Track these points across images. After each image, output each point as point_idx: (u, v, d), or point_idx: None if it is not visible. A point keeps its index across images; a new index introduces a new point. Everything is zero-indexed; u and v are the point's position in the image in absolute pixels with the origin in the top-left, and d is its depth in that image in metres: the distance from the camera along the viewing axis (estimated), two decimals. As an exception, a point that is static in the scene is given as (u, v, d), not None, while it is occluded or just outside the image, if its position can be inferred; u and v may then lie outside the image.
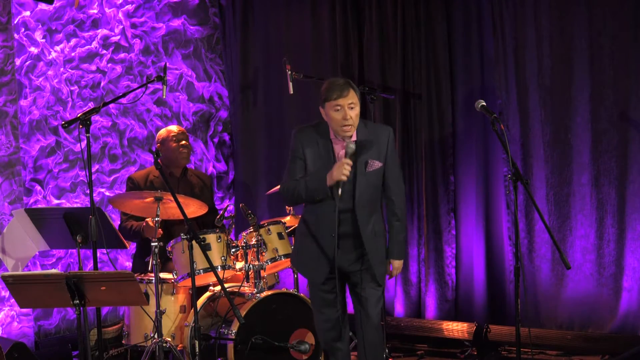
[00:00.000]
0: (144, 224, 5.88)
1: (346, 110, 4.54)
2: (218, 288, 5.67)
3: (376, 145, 4.66)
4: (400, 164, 4.95)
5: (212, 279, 5.74)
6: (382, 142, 4.67)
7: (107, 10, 7.13)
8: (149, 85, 6.93)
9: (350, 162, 4.50)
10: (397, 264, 4.82)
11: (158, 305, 5.44)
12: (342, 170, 4.47)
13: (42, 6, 6.73)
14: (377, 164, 4.66)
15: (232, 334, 5.48)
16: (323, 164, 4.62)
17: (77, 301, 4.40)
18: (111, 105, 7.02)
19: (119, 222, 6.17)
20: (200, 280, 5.68)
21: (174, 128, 6.32)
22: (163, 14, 7.49)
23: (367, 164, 4.64)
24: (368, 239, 4.66)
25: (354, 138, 4.64)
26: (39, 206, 6.62)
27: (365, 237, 4.65)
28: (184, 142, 6.25)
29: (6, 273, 4.47)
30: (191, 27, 7.66)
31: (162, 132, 6.33)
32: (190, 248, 5.03)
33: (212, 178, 7.61)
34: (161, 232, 5.72)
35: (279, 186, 6.18)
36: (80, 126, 5.26)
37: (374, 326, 4.72)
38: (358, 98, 4.61)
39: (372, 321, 4.71)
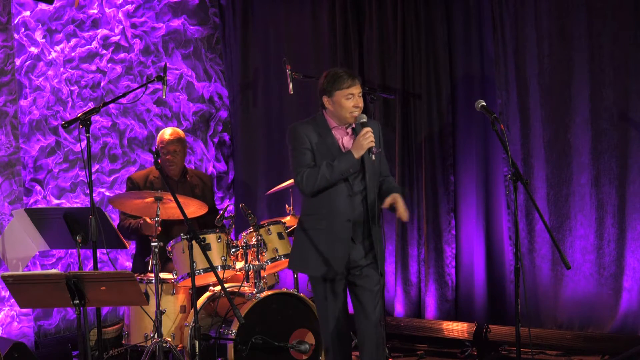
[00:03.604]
0: (142, 220, 5.88)
1: (357, 98, 4.73)
2: (218, 288, 5.67)
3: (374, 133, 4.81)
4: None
5: (212, 279, 5.74)
6: (375, 130, 4.80)
7: (107, 10, 7.13)
8: (149, 85, 6.93)
9: (369, 129, 4.65)
10: (399, 196, 4.75)
11: (158, 305, 5.44)
12: (367, 137, 4.63)
13: (42, 6, 6.73)
14: (378, 149, 4.78)
15: (232, 334, 5.48)
16: (329, 151, 4.71)
17: (77, 301, 4.40)
18: (111, 105, 7.02)
19: (118, 222, 6.17)
20: (200, 280, 5.68)
21: (166, 135, 6.24)
22: (163, 14, 7.49)
23: (371, 149, 4.73)
24: (374, 225, 4.74)
25: (353, 125, 4.79)
26: (39, 206, 6.62)
27: (372, 221, 4.72)
28: (169, 156, 6.20)
29: (6, 273, 4.47)
30: (191, 27, 7.66)
31: (158, 137, 6.30)
32: (190, 248, 5.03)
33: (212, 178, 7.61)
34: (160, 229, 5.72)
35: (284, 183, 6.25)
36: (80, 126, 5.26)
37: (374, 323, 4.72)
38: (362, 88, 4.83)
39: (372, 318, 4.71)
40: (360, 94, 4.75)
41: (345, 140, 4.76)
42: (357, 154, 4.63)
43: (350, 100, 4.70)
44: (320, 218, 4.73)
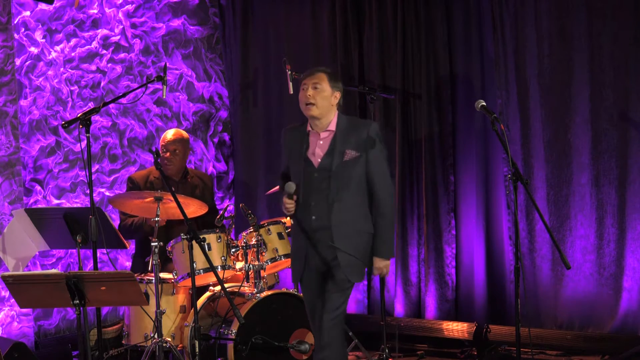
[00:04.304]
0: (144, 217, 5.90)
1: (310, 90, 4.60)
2: (218, 288, 5.67)
3: (355, 137, 4.63)
4: (388, 162, 4.77)
5: (212, 279, 5.74)
6: (361, 134, 4.63)
7: (107, 10, 7.13)
8: (149, 85, 6.93)
9: (288, 200, 4.56)
10: (379, 262, 4.69)
11: (158, 305, 5.44)
12: (285, 208, 4.60)
13: (42, 6, 6.73)
14: (354, 154, 4.60)
15: (232, 334, 5.48)
16: (297, 159, 4.65)
17: (77, 301, 4.40)
18: (111, 105, 7.02)
19: (119, 222, 6.17)
20: (200, 280, 5.68)
21: (169, 135, 6.28)
22: (163, 14, 7.49)
23: (345, 153, 4.60)
24: (340, 233, 4.60)
25: (332, 128, 4.65)
26: (39, 206, 6.62)
27: (336, 230, 4.60)
28: (168, 154, 6.20)
29: (6, 273, 4.47)
30: (191, 27, 7.66)
31: (162, 136, 6.34)
32: (190, 248, 5.03)
33: (212, 178, 7.61)
34: (163, 222, 5.70)
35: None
36: (80, 126, 5.26)
37: (324, 331, 4.58)
38: (330, 83, 4.64)
39: (323, 325, 4.59)
40: (316, 85, 4.60)
41: (317, 144, 4.66)
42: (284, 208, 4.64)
43: (303, 91, 4.63)
44: (295, 224, 4.74)
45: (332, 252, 4.62)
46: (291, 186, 4.56)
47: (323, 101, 4.61)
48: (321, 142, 4.65)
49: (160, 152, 6.20)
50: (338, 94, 4.69)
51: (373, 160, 4.65)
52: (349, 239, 4.62)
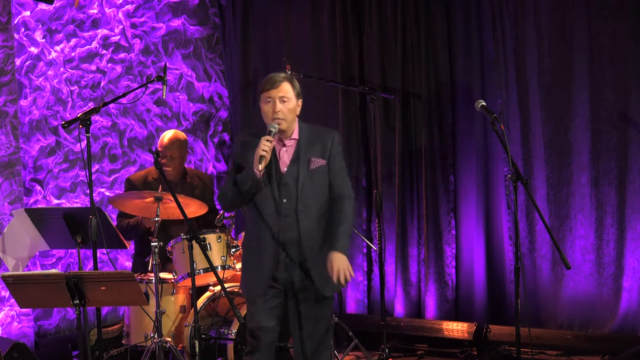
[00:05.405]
0: (140, 217, 5.87)
1: (276, 103, 4.39)
2: (218, 288, 5.67)
3: (320, 145, 4.47)
4: (348, 170, 4.55)
5: (212, 279, 5.74)
6: (326, 141, 4.47)
7: (107, 10, 7.14)
8: (149, 85, 6.92)
9: (269, 137, 4.30)
10: (336, 257, 4.31)
11: (158, 305, 5.44)
12: (261, 146, 4.27)
13: (42, 6, 6.73)
14: (321, 162, 4.44)
15: (232, 334, 5.49)
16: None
17: (77, 301, 4.40)
18: (111, 105, 7.02)
19: (115, 224, 6.15)
20: (200, 280, 5.68)
21: (165, 139, 6.16)
22: (163, 14, 7.49)
23: (310, 161, 4.43)
24: (311, 246, 4.37)
25: (295, 136, 4.47)
26: (39, 206, 6.62)
27: (306, 241, 4.36)
28: (165, 160, 6.07)
29: (6, 273, 4.47)
30: (191, 27, 7.66)
31: (160, 138, 6.27)
32: (190, 248, 5.03)
33: (212, 178, 7.61)
34: (159, 221, 5.69)
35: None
36: (80, 126, 5.25)
37: (306, 354, 4.39)
38: (295, 94, 4.45)
39: (305, 349, 4.38)
40: (284, 99, 4.38)
41: (282, 152, 4.46)
42: (254, 167, 4.28)
43: (268, 105, 4.39)
44: (251, 236, 4.50)
45: (301, 269, 4.39)
46: (274, 125, 4.36)
47: (290, 114, 4.44)
48: (285, 149, 4.47)
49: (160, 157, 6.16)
50: (300, 102, 4.50)
51: (334, 168, 4.47)
52: (319, 252, 4.37)
